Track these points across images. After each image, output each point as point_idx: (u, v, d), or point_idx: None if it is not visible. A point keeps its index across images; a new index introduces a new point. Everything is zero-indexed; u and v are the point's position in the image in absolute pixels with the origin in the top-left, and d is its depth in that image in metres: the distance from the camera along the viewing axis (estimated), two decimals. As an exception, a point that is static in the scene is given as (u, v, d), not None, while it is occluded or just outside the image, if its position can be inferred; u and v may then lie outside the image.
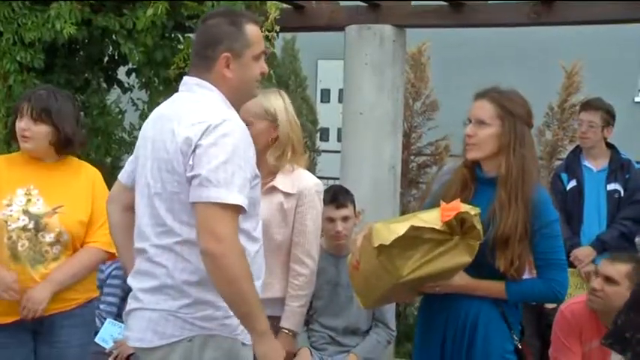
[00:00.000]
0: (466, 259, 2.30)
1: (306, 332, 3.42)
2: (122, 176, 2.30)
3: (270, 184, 2.76)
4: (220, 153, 1.95)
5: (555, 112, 5.65)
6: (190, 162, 1.97)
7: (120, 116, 4.92)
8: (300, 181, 2.78)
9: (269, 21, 4.28)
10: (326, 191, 3.44)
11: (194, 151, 1.97)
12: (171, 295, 2.04)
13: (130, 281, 2.17)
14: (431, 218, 2.26)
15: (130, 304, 2.16)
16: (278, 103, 2.79)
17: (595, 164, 4.14)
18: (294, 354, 3.02)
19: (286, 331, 2.79)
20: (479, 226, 2.27)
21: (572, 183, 4.12)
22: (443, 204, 2.28)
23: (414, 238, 2.24)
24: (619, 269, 2.91)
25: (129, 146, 4.89)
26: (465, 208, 2.26)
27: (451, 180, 2.53)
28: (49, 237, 2.65)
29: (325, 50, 7.31)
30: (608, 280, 2.91)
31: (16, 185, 2.68)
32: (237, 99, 2.17)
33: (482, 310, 2.44)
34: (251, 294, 1.99)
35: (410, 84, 5.78)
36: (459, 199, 2.30)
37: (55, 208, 2.67)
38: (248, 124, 2.73)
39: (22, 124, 2.65)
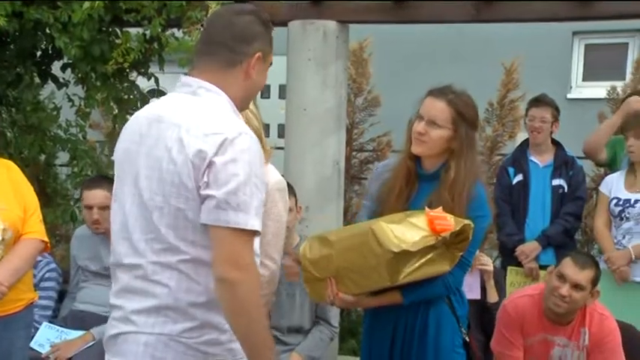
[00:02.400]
0: (447, 268, 2.36)
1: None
2: None
3: None
4: (240, 172, 1.79)
5: (495, 108, 5.74)
6: (205, 179, 1.79)
7: (55, 112, 4.77)
8: None
9: (209, 15, 4.21)
10: None
11: (209, 166, 1.79)
12: (171, 318, 1.86)
13: (117, 301, 1.96)
14: (421, 224, 2.29)
15: (117, 326, 1.94)
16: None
17: (541, 159, 4.23)
18: None
19: None
20: (470, 239, 2.33)
21: (519, 177, 4.21)
22: (429, 211, 2.31)
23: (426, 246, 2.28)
24: (586, 276, 2.97)
25: (65, 143, 4.75)
26: (449, 217, 2.31)
27: (394, 175, 2.53)
28: None
29: (266, 45, 7.24)
30: (577, 287, 2.96)
31: None
32: (242, 105, 2.01)
33: (432, 304, 2.45)
34: (263, 324, 1.86)
35: (351, 80, 5.78)
36: (441, 207, 2.33)
37: None
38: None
39: None
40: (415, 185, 2.50)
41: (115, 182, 2.01)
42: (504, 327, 3.13)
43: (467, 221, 2.33)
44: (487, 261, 3.63)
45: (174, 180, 1.83)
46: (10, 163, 2.82)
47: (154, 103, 2.02)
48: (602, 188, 3.89)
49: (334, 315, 3.52)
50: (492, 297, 3.62)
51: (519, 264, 4.12)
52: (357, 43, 5.91)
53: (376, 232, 2.26)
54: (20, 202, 2.68)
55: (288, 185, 3.39)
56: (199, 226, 1.82)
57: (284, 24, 4.35)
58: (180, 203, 1.83)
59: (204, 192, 1.80)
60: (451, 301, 2.48)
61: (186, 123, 1.85)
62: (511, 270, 4.12)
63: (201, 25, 4.22)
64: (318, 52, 4.24)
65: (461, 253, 2.38)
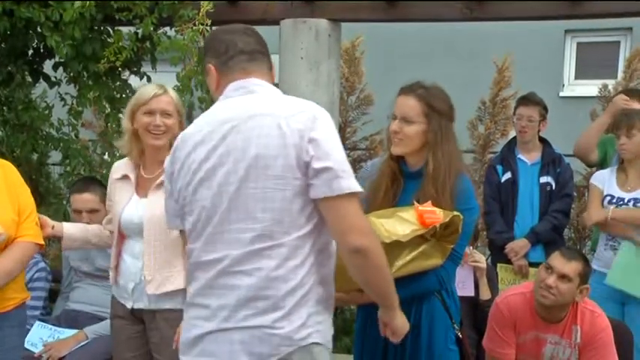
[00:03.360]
0: (439, 261, 2.37)
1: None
2: (178, 224, 2.11)
3: (161, 178, 2.78)
4: (335, 141, 1.93)
5: (487, 106, 5.75)
6: (312, 153, 1.88)
7: (47, 111, 4.75)
8: None
9: (201, 15, 4.21)
10: None
11: (310, 142, 1.89)
12: (261, 309, 1.90)
13: (199, 299, 1.98)
14: (410, 218, 2.31)
15: (201, 325, 1.96)
16: (179, 99, 2.92)
17: (529, 157, 4.25)
18: None
19: None
20: (460, 231, 2.34)
21: (507, 175, 4.22)
22: (417, 205, 2.32)
23: (415, 237, 2.28)
24: (574, 267, 2.98)
25: (57, 142, 4.73)
26: (438, 210, 2.32)
27: (380, 175, 2.57)
28: None
29: (258, 44, 7.24)
30: (563, 277, 2.97)
31: None
32: None
33: (424, 300, 2.46)
34: (389, 272, 2.02)
35: (344, 78, 5.78)
36: (430, 201, 2.35)
37: None
38: (169, 115, 2.77)
39: None
40: (401, 184, 2.53)
41: (177, 185, 2.05)
42: (496, 324, 3.14)
43: (456, 213, 2.34)
44: (480, 258, 3.64)
45: (277, 164, 1.90)
46: (7, 163, 2.79)
47: (217, 110, 2.06)
48: (595, 181, 3.87)
49: None
50: (485, 294, 3.63)
51: (509, 261, 4.14)
52: (350, 41, 5.91)
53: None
54: (14, 205, 2.66)
55: None
56: (296, 210, 1.90)
57: (276, 22, 4.35)
58: (279, 185, 1.90)
59: (317, 165, 1.88)
60: (443, 297, 2.49)
61: (274, 111, 1.95)
62: (501, 267, 4.14)
63: (194, 24, 4.22)
64: (310, 51, 4.24)
65: (452, 246, 2.38)
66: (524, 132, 4.21)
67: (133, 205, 2.83)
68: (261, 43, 2.15)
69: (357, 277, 1.95)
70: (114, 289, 2.96)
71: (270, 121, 1.93)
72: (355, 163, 5.92)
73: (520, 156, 4.25)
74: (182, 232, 2.14)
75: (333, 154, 1.90)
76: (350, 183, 1.89)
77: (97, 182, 3.69)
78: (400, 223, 2.29)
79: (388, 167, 2.54)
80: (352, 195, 1.89)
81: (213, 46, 2.14)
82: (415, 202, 2.35)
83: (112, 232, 2.97)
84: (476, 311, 3.53)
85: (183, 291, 2.78)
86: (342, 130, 5.65)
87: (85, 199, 3.55)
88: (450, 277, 2.49)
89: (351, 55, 5.92)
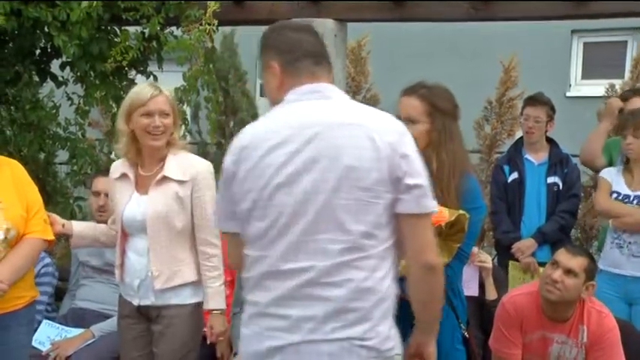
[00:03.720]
0: (445, 260, 2.35)
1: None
2: (231, 227, 2.02)
3: (161, 174, 2.82)
4: (419, 159, 1.93)
5: (494, 105, 5.75)
6: (404, 168, 1.88)
7: (54, 111, 4.77)
8: (192, 167, 2.85)
9: (208, 14, 4.22)
10: None
11: (402, 157, 1.88)
12: (350, 321, 1.86)
13: (277, 310, 1.89)
14: None
15: (281, 337, 1.88)
16: (173, 97, 2.93)
17: (536, 157, 4.24)
18: (226, 332, 3.00)
19: (217, 312, 2.86)
20: (466, 230, 2.34)
21: (514, 175, 4.22)
22: None
23: None
24: (579, 262, 2.99)
25: (64, 141, 4.75)
26: (444, 210, 2.31)
27: None
28: None
29: (264, 44, 7.25)
30: (569, 272, 2.97)
31: None
32: None
33: None
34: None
35: (350, 78, 5.79)
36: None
37: None
38: (166, 114, 2.79)
39: None
40: None
41: (243, 187, 1.94)
42: (503, 325, 3.14)
43: (461, 211, 2.34)
44: (486, 258, 3.64)
45: (370, 177, 1.86)
46: (14, 161, 2.79)
47: (292, 112, 1.97)
48: (604, 175, 3.87)
49: None
50: (491, 294, 3.63)
51: (516, 261, 4.13)
52: (356, 41, 5.92)
53: None
54: (22, 201, 2.66)
55: None
56: (384, 223, 1.88)
57: (283, 22, 4.36)
58: (370, 197, 1.87)
59: (410, 181, 1.88)
60: (449, 296, 2.49)
61: (364, 122, 1.90)
62: (512, 264, 4.14)
63: (200, 24, 4.23)
64: (316, 51, 4.24)
65: (458, 245, 2.38)
66: (532, 132, 4.20)
67: (134, 202, 2.84)
68: (322, 44, 2.08)
69: (422, 295, 1.97)
70: (120, 287, 2.97)
71: (362, 132, 1.88)
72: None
73: (527, 156, 4.24)
74: (232, 234, 2.05)
75: (422, 171, 1.92)
76: (433, 202, 1.93)
77: None
78: None
79: None
80: (431, 214, 1.94)
81: (276, 43, 2.03)
82: None
83: (112, 229, 3.00)
84: (482, 311, 3.52)
85: (192, 284, 2.84)
86: (348, 129, 5.65)
87: (107, 181, 3.59)
88: (457, 276, 2.49)
89: (357, 55, 5.93)
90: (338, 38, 4.31)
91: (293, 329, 1.87)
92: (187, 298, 2.85)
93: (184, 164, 2.83)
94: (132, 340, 2.91)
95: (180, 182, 2.80)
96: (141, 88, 2.87)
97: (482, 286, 3.61)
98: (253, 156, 1.92)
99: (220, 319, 2.88)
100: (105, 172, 3.77)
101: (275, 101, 2.03)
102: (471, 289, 3.47)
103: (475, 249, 3.51)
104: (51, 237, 2.75)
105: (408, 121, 2.45)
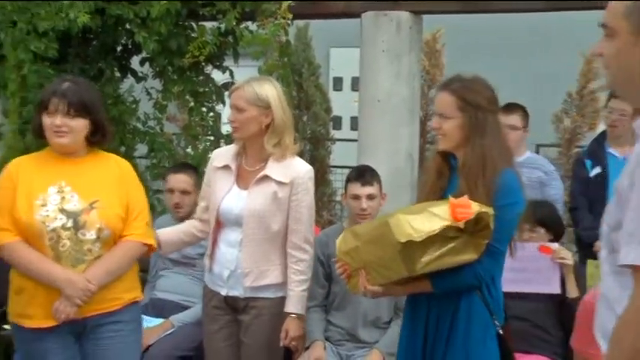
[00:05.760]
0: (473, 256, 2.33)
1: (322, 322, 3.38)
2: None
3: (262, 172, 2.83)
4: None
5: (574, 98, 5.59)
6: None
7: (134, 106, 4.89)
8: (293, 170, 2.85)
9: (283, 9, 4.25)
10: (352, 169, 3.49)
11: None
12: None
13: None
14: (442, 213, 2.28)
15: None
16: (271, 90, 2.86)
17: (620, 151, 4.09)
18: (302, 336, 3.03)
19: (294, 315, 2.88)
20: (492, 226, 2.30)
21: (597, 170, 4.08)
22: (452, 199, 2.29)
23: (437, 235, 2.25)
24: None
25: (143, 135, 4.87)
26: (474, 205, 2.28)
27: (426, 171, 2.61)
28: (89, 234, 2.53)
29: (337, 38, 7.25)
30: None
31: (47, 184, 2.57)
32: None
33: (462, 295, 2.42)
34: None
35: (425, 71, 5.73)
36: (466, 196, 2.32)
37: (92, 203, 2.56)
38: (240, 109, 2.79)
39: (57, 121, 2.53)
40: (447, 178, 2.51)
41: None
42: (585, 324, 3.04)
43: (485, 209, 2.29)
44: (567, 255, 3.53)
45: None
46: (124, 161, 2.78)
47: None
48: None
49: None
50: (572, 292, 3.51)
51: (595, 259, 4.00)
52: (431, 34, 5.85)
53: (391, 223, 2.28)
54: (123, 202, 2.62)
55: (374, 171, 3.41)
56: None
57: (357, 16, 4.35)
58: None
59: None
60: (483, 293, 2.43)
61: None
62: (590, 263, 4.01)
63: (275, 18, 4.26)
64: (391, 44, 4.22)
65: (485, 241, 2.33)
66: (616, 126, 4.06)
67: (233, 195, 2.86)
68: None
69: None
70: (207, 277, 3.00)
71: None
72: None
73: (610, 150, 4.10)
74: None
75: None
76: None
77: (194, 168, 3.81)
78: (429, 220, 2.27)
79: (434, 163, 2.56)
80: None
81: None
82: (450, 197, 2.33)
83: (201, 221, 3.00)
84: (563, 310, 3.42)
85: (280, 285, 2.87)
86: (422, 123, 5.59)
87: (180, 179, 3.68)
88: (489, 272, 2.42)
89: (432, 48, 5.86)
90: (413, 30, 4.27)
91: None
92: (276, 292, 2.89)
93: (287, 166, 2.85)
94: (218, 330, 2.95)
95: (280, 183, 2.82)
96: (242, 80, 2.91)
97: (562, 284, 3.51)
98: None
99: (296, 323, 2.89)
100: (177, 168, 3.85)
101: None
102: (552, 286, 3.38)
103: (556, 245, 3.42)
104: (151, 241, 2.70)
105: (442, 116, 2.45)
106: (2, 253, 2.56)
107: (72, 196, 2.56)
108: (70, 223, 2.52)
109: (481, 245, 2.33)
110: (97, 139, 2.63)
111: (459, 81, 2.47)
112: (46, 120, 2.55)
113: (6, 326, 3.82)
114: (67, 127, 2.54)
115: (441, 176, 2.51)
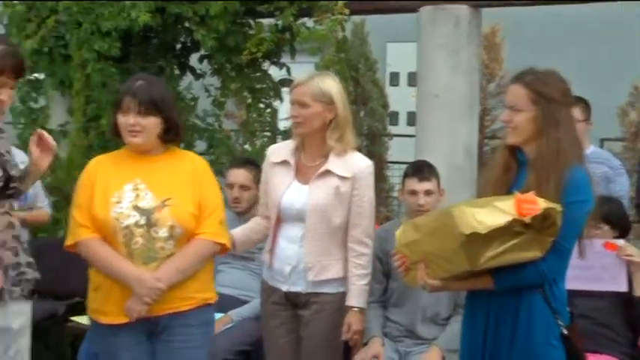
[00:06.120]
0: (537, 254, 2.28)
1: (380, 319, 3.36)
2: None
3: (324, 167, 2.83)
4: None
5: (640, 91, 5.42)
6: None
7: (193, 103, 4.97)
8: (354, 164, 2.85)
9: (340, 4, 4.24)
10: (410, 164, 3.45)
11: None
12: None
13: None
14: (507, 207, 2.23)
15: None
16: (334, 85, 2.87)
17: (690, 145, 3.96)
18: (362, 331, 3.00)
19: (356, 309, 2.88)
20: (559, 224, 2.25)
21: None
22: (518, 195, 2.25)
23: (502, 229, 2.21)
24: None
25: (202, 132, 4.95)
26: (541, 201, 2.23)
27: (493, 163, 2.52)
28: (161, 232, 2.53)
29: (394, 33, 7.21)
30: None
31: (123, 181, 2.59)
32: None
33: (523, 294, 2.36)
34: None
35: (483, 65, 5.64)
36: (533, 192, 2.27)
37: (165, 201, 2.56)
38: (303, 105, 2.79)
39: (131, 120, 2.55)
40: (514, 172, 2.45)
41: None
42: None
43: (553, 205, 2.23)
44: (634, 252, 3.41)
45: None
46: (199, 159, 2.76)
47: None
48: None
49: None
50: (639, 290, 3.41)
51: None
52: (489, 27, 5.76)
53: (455, 215, 2.24)
54: (195, 200, 2.59)
55: (432, 167, 3.38)
56: None
57: (414, 10, 4.31)
58: None
59: None
60: (545, 291, 2.37)
61: None
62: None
63: (332, 14, 4.26)
64: (449, 38, 4.16)
65: (551, 239, 2.27)
66: None
67: (294, 190, 2.87)
68: None
69: None
70: (266, 273, 3.01)
71: None
72: (494, 153, 5.76)
73: (679, 144, 3.97)
74: None
75: None
76: None
77: (255, 164, 3.84)
78: (493, 214, 2.22)
79: (501, 157, 2.48)
80: None
81: None
82: (516, 192, 2.27)
83: (264, 218, 3.01)
84: (630, 309, 3.32)
85: (341, 279, 2.88)
86: (481, 118, 5.51)
87: (240, 174, 3.70)
88: (554, 270, 2.36)
89: (491, 42, 5.77)
90: (472, 24, 4.21)
91: None
92: (337, 287, 2.90)
93: (348, 160, 2.85)
94: (278, 326, 2.96)
95: (342, 178, 2.82)
96: (300, 76, 2.91)
97: (630, 282, 3.40)
98: None
99: (359, 317, 2.88)
100: (238, 163, 3.88)
101: None
102: (618, 284, 3.28)
103: (622, 241, 3.32)
104: (224, 240, 2.66)
105: (514, 109, 2.39)
106: (79, 249, 2.61)
107: (146, 194, 2.57)
108: (142, 221, 2.53)
109: (547, 243, 2.28)
110: (170, 137, 2.63)
111: (532, 73, 2.41)
112: (121, 119, 2.58)
113: (73, 318, 3.95)
114: (139, 125, 2.55)
115: (508, 170, 2.45)
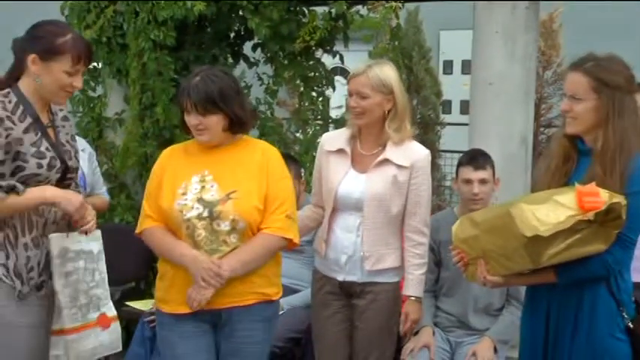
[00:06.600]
0: (602, 247, 2.22)
1: (431, 308, 3.35)
2: None
3: (382, 156, 2.82)
4: None
5: None
6: None
7: (246, 91, 5.00)
8: (412, 153, 2.85)
9: (394, -8, 4.22)
10: (464, 153, 3.42)
11: None
12: None
13: None
14: (568, 201, 2.18)
15: None
16: (392, 75, 2.86)
17: None
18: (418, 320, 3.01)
19: (414, 298, 2.89)
20: (624, 217, 2.19)
21: None
22: (579, 187, 2.20)
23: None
24: None
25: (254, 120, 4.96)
26: (603, 192, 2.18)
27: (552, 152, 2.45)
28: (224, 225, 2.50)
29: (447, 21, 7.12)
30: None
31: (191, 172, 2.58)
32: None
33: (587, 286, 2.31)
34: None
35: (540, 52, 5.52)
36: (594, 183, 2.21)
37: (229, 194, 2.53)
38: (363, 96, 2.77)
39: (192, 120, 2.54)
40: (574, 162, 2.39)
41: None
42: None
43: (617, 198, 2.17)
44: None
45: None
46: (272, 150, 2.68)
47: None
48: None
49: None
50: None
51: None
52: (547, 14, 5.63)
53: (514, 214, 2.19)
54: (261, 193, 2.54)
55: (487, 155, 3.34)
56: None
57: (470, -3, 4.25)
58: None
59: None
60: (610, 283, 2.30)
61: None
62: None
63: (386, 2, 4.24)
64: (506, 25, 4.09)
65: (616, 231, 2.21)
66: None
67: (351, 179, 2.86)
68: None
69: None
70: (320, 263, 3.00)
71: None
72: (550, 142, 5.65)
73: None
74: None
75: None
76: None
77: (294, 158, 3.84)
78: (554, 209, 2.16)
79: (560, 146, 2.42)
80: None
81: None
82: (576, 184, 2.22)
83: (316, 206, 3.01)
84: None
85: (397, 269, 2.89)
86: (537, 106, 5.40)
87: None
88: (620, 262, 2.29)
89: (548, 28, 5.64)
90: (530, 10, 4.12)
91: None
92: (392, 277, 2.90)
93: (406, 150, 2.84)
94: (331, 315, 2.96)
95: (400, 167, 2.82)
96: (358, 65, 2.88)
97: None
98: None
99: (417, 306, 2.89)
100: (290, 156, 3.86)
101: None
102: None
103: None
104: (291, 236, 2.58)
105: (574, 98, 2.31)
106: (144, 238, 2.64)
107: (212, 186, 2.56)
108: (205, 213, 2.50)
109: (611, 235, 2.22)
110: (236, 130, 2.59)
111: (592, 60, 2.33)
112: (187, 118, 2.58)
113: (128, 303, 4.04)
114: (202, 124, 2.54)
115: (567, 160, 2.40)
